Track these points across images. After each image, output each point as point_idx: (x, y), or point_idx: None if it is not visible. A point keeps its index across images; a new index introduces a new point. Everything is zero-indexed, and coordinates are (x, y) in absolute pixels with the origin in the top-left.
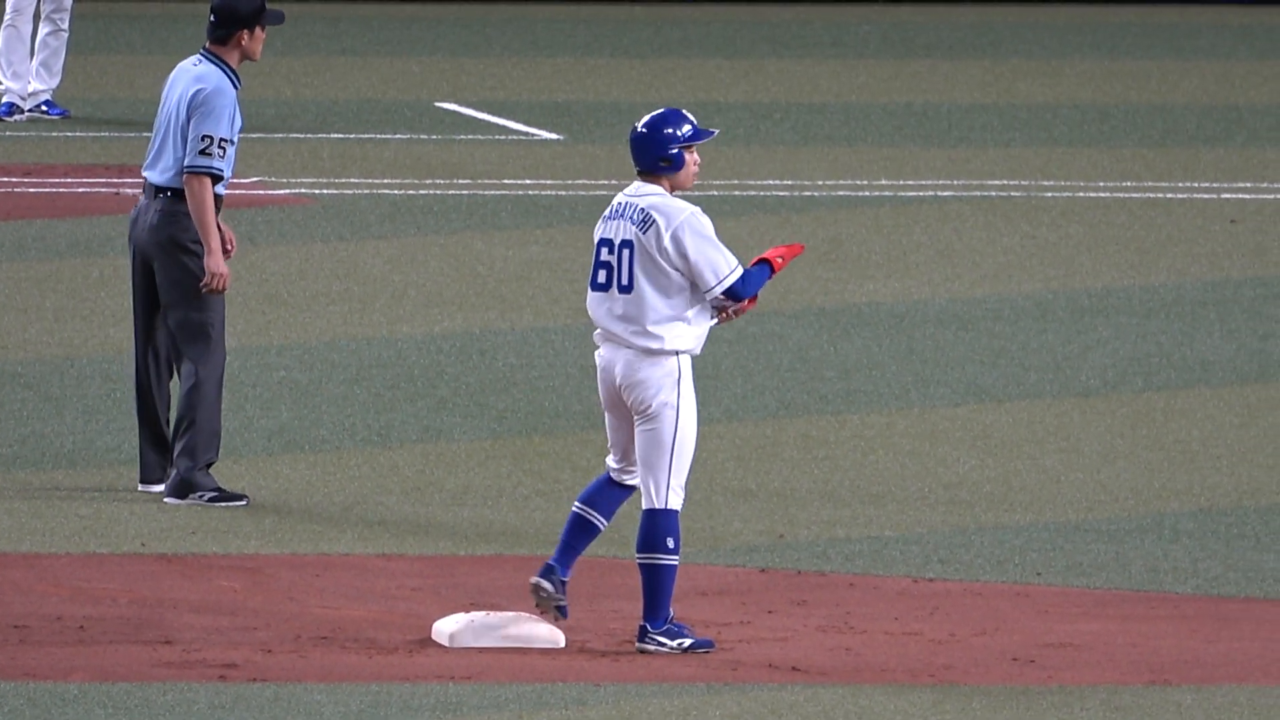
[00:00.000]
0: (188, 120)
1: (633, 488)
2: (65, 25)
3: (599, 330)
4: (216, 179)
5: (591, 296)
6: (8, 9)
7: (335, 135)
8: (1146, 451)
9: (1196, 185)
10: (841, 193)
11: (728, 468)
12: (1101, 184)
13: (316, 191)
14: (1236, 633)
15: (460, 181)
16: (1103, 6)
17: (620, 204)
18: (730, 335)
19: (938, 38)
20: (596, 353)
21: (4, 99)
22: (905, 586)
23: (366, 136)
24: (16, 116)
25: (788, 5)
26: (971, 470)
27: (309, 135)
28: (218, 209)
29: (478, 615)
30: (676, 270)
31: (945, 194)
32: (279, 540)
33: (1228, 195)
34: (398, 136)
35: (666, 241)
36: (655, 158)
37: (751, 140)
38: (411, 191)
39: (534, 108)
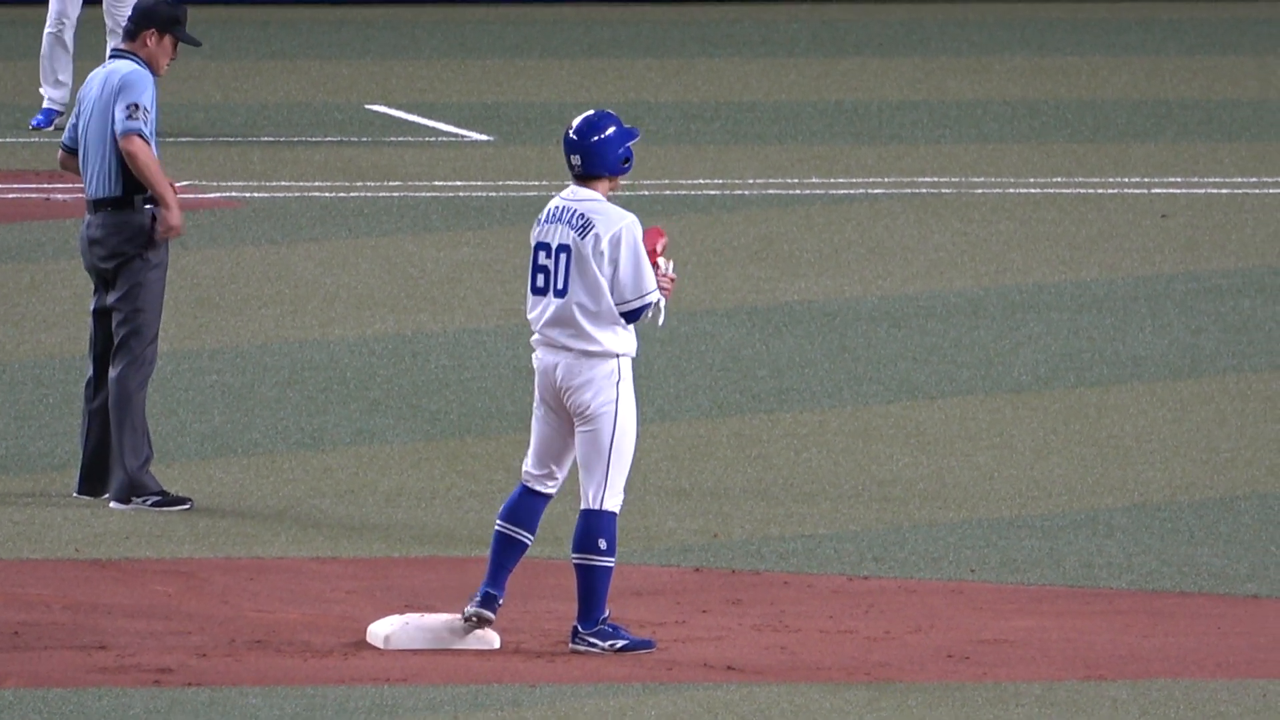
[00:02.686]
0: (113, 103)
1: (550, 495)
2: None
3: (536, 334)
4: (147, 142)
5: (530, 300)
6: (50, 17)
7: (265, 139)
8: (1079, 447)
9: (1127, 180)
10: (772, 191)
11: (661, 467)
12: (1032, 180)
13: (247, 195)
14: (1171, 627)
15: (391, 184)
16: (1031, 3)
17: (557, 208)
18: (662, 335)
19: (867, 35)
20: (534, 356)
21: (43, 107)
22: (840, 584)
23: (296, 140)
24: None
25: (716, 4)
26: (905, 467)
27: (238, 139)
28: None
29: (413, 617)
30: (605, 276)
31: (876, 191)
32: (213, 544)
33: (1158, 190)
34: (328, 139)
35: (604, 245)
36: (618, 159)
37: (682, 139)
38: (342, 194)
39: (464, 109)
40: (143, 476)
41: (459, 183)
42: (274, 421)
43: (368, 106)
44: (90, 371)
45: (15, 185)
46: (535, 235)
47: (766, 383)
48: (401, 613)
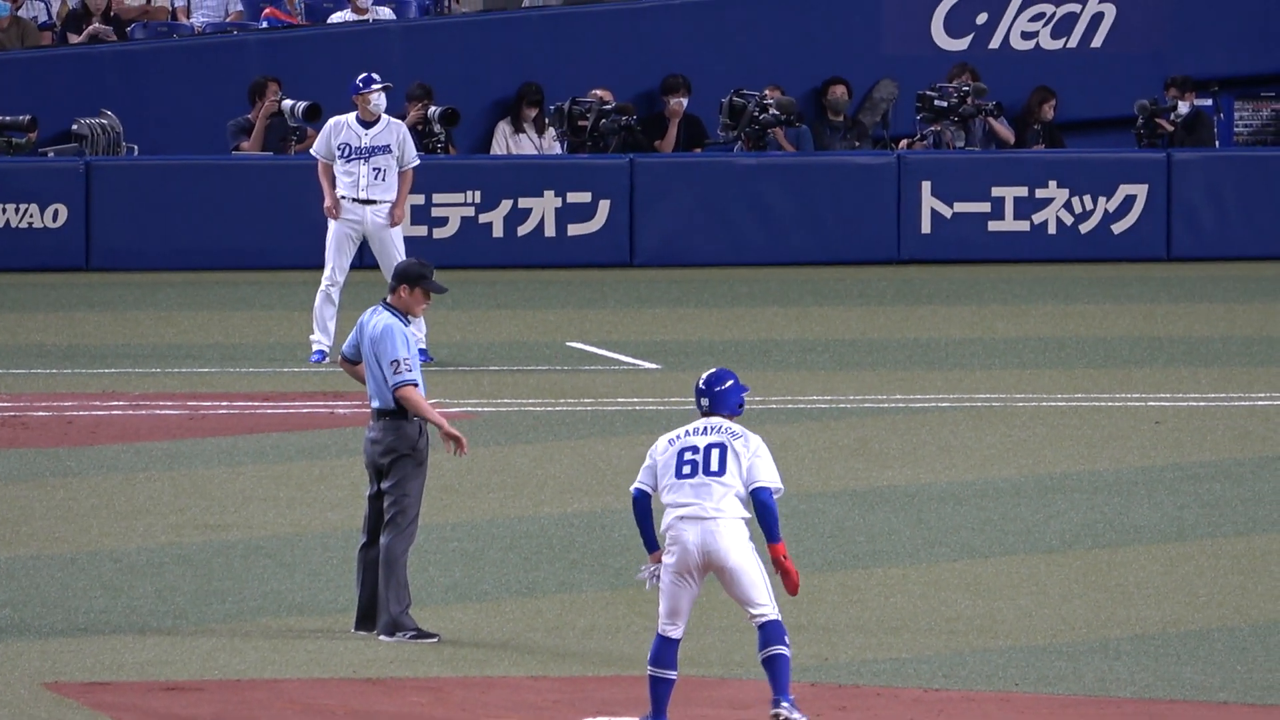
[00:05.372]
0: (375, 358)
1: (679, 638)
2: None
3: (680, 514)
4: (414, 386)
5: (681, 486)
6: (324, 278)
7: (493, 368)
8: (1095, 593)
9: (1129, 396)
10: (868, 405)
11: (786, 608)
12: (1059, 396)
13: (479, 409)
14: None
15: (585, 400)
16: (1058, 265)
17: (694, 428)
18: (786, 511)
19: (937, 290)
20: (671, 533)
21: (315, 349)
22: (918, 695)
23: (515, 368)
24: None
25: (823, 267)
26: (965, 608)
27: (473, 368)
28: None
29: None
30: (747, 468)
31: (944, 405)
32: (454, 666)
33: (1153, 403)
34: (539, 368)
35: (752, 450)
36: (736, 404)
37: (800, 366)
38: (550, 408)
39: (639, 345)
40: (403, 618)
41: (635, 399)
42: (499, 576)
43: (568, 343)
44: (364, 540)
45: (307, 403)
46: (677, 444)
47: (863, 546)
48: (594, 717)
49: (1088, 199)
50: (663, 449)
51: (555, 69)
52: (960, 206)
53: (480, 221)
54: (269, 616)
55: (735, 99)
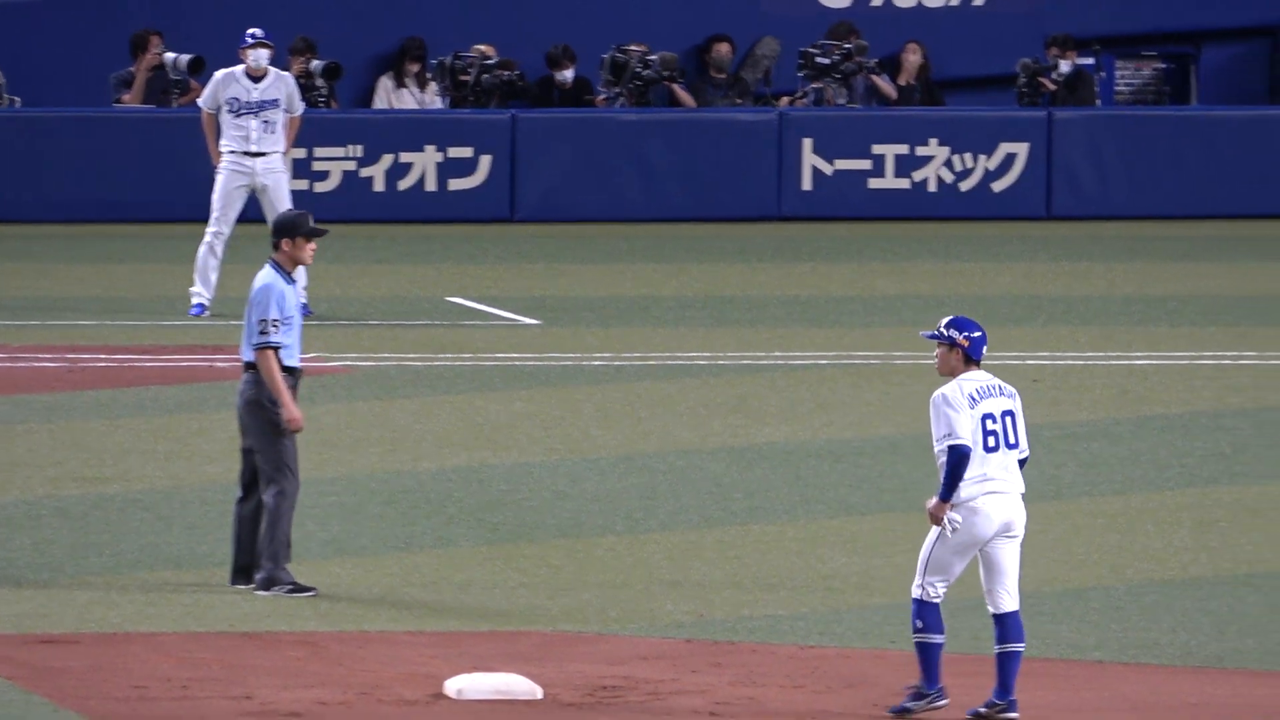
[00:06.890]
0: (249, 313)
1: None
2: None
3: (985, 488)
4: (278, 350)
5: (988, 459)
6: (209, 231)
7: (372, 322)
8: None
9: (1008, 354)
10: (746, 361)
11: (662, 565)
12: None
13: (358, 364)
14: (1036, 684)
15: (464, 355)
16: (937, 223)
17: (983, 387)
18: (664, 468)
19: (817, 247)
20: (972, 504)
21: (194, 302)
22: (794, 652)
23: (395, 323)
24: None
25: (704, 223)
26: (842, 565)
27: (353, 322)
28: (298, 376)
29: (478, 675)
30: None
31: (822, 362)
32: (331, 621)
33: (1031, 361)
34: (418, 323)
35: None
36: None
37: (679, 323)
38: (429, 363)
39: (519, 301)
40: (279, 573)
41: (515, 355)
42: (377, 531)
43: (448, 298)
44: (240, 493)
45: (187, 356)
46: (978, 410)
47: (740, 503)
48: (470, 672)
49: (968, 157)
50: (968, 414)
51: (438, 24)
52: (841, 164)
53: (361, 176)
54: (146, 570)
55: (617, 55)
